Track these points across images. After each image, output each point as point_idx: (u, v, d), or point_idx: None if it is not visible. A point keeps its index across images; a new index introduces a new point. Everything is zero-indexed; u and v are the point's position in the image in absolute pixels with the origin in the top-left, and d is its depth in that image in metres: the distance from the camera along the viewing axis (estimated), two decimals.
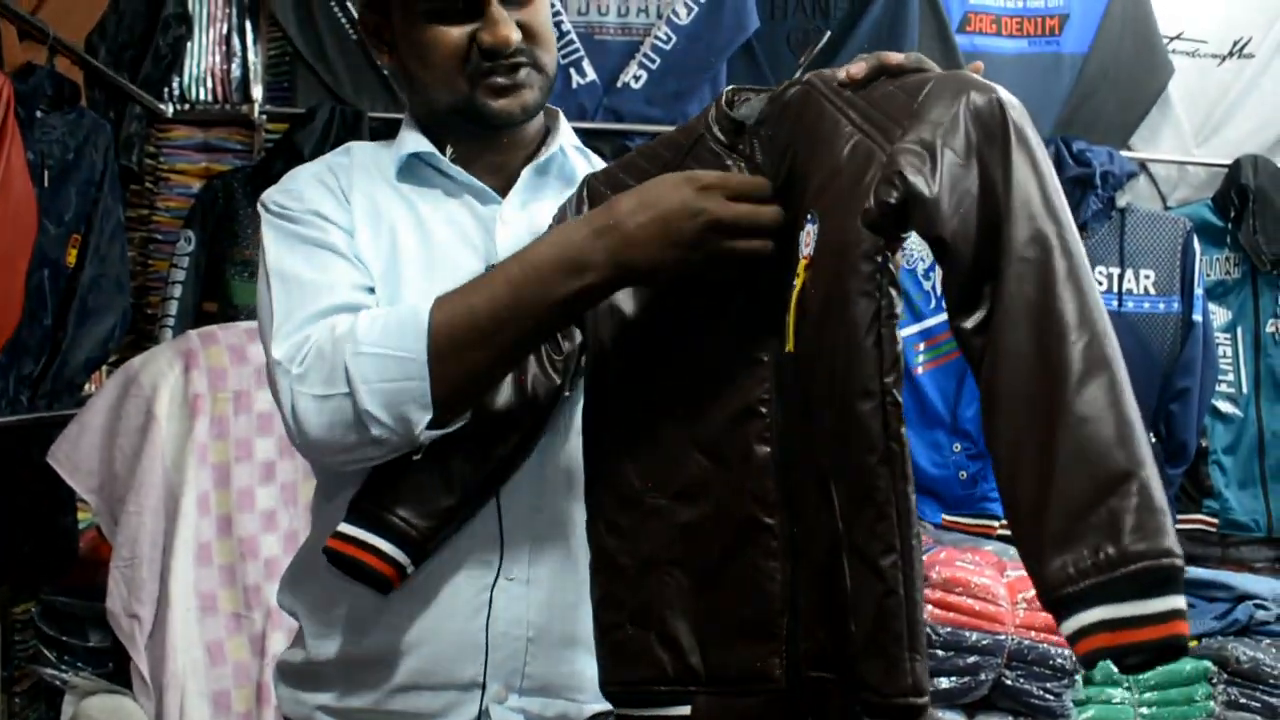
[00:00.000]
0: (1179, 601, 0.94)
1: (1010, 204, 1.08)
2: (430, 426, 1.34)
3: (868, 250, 1.12)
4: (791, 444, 1.23)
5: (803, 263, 1.18)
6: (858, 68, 1.23)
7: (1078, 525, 0.96)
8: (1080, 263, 1.07)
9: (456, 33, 1.48)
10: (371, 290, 1.46)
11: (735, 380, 1.29)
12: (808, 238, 1.18)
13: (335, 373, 1.33)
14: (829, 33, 1.26)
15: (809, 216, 1.18)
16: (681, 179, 1.28)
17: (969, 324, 1.09)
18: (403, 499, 1.39)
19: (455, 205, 1.57)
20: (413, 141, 1.58)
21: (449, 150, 1.57)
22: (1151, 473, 0.98)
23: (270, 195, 1.52)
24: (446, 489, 1.40)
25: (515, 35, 1.47)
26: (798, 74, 1.36)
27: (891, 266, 1.13)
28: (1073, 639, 0.96)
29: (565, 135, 1.63)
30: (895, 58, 1.21)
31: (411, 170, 1.58)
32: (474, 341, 1.32)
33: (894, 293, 1.12)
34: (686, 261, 1.27)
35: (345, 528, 1.40)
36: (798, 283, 1.18)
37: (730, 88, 1.36)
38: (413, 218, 1.54)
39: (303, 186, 1.53)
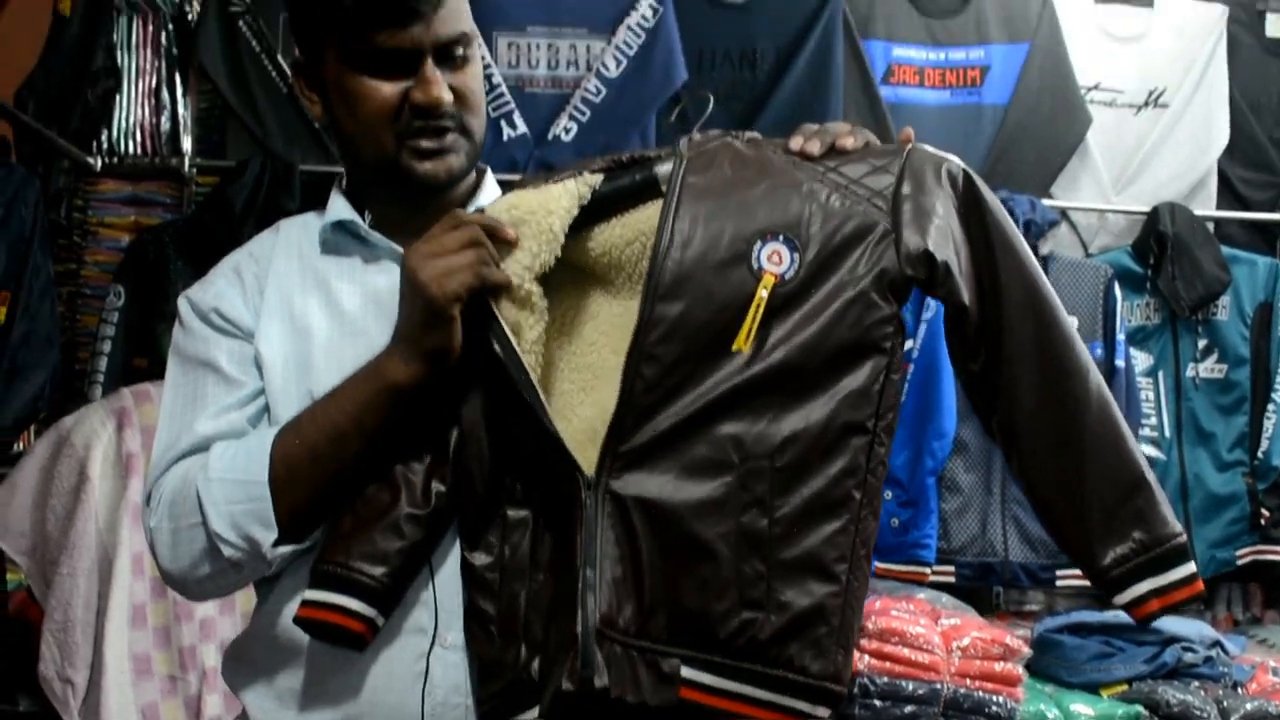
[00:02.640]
0: (1193, 566, 1.29)
1: (998, 261, 1.33)
2: (278, 544, 1.41)
3: (887, 314, 1.30)
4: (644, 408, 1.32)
5: (770, 278, 1.30)
6: (812, 144, 1.36)
7: (1116, 522, 1.29)
8: (1059, 303, 1.34)
9: (389, 88, 1.47)
10: (251, 399, 1.51)
11: None
12: (775, 256, 1.31)
13: (188, 504, 1.42)
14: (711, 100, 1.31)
15: (779, 238, 1.31)
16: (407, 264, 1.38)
17: (976, 367, 1.35)
18: (354, 553, 1.40)
19: (373, 272, 1.55)
20: (336, 209, 1.57)
21: (368, 216, 1.56)
22: (1152, 474, 1.31)
23: (189, 290, 1.58)
24: (393, 531, 1.40)
25: (447, 96, 1.47)
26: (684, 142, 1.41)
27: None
28: (1130, 606, 1.29)
29: (490, 195, 1.61)
30: (847, 140, 1.35)
31: (335, 241, 1.58)
32: (307, 462, 1.40)
33: (900, 351, 1.32)
34: (445, 322, 1.35)
35: (310, 594, 1.40)
36: (763, 292, 1.30)
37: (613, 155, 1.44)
38: (324, 296, 1.54)
39: (217, 275, 1.59)
